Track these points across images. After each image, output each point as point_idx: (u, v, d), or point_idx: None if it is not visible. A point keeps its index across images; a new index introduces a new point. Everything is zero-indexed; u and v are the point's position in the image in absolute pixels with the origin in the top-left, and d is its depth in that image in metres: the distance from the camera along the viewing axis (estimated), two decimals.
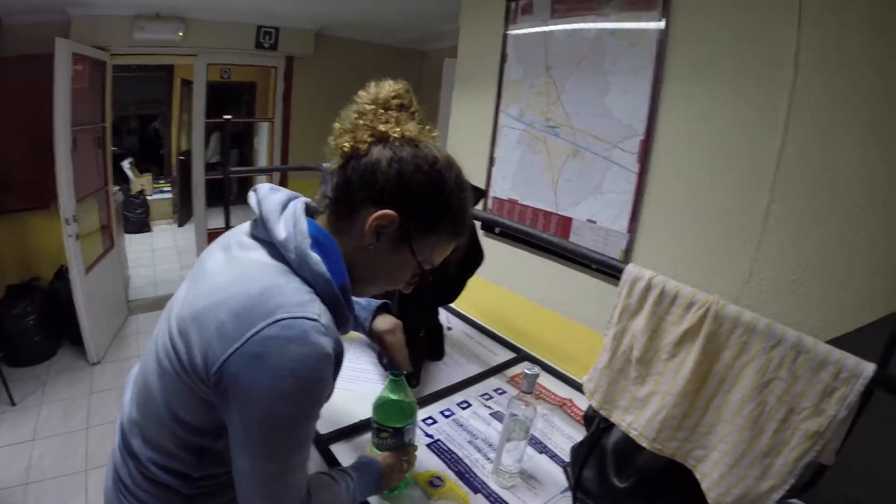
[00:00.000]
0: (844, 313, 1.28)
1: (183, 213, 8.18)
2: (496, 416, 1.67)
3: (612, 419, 1.24)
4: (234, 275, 0.82)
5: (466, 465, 1.43)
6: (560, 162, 2.01)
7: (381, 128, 0.87)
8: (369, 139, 0.87)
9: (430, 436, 1.54)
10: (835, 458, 0.90)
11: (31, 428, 3.24)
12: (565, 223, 2.01)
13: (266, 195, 0.91)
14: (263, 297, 0.76)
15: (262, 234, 0.87)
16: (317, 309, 0.78)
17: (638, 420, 1.17)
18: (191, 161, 8.04)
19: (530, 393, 1.27)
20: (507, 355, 2.07)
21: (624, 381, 1.23)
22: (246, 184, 9.04)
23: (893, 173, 1.23)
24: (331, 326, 0.80)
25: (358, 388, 1.71)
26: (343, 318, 0.87)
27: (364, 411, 1.40)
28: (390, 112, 0.90)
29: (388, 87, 0.91)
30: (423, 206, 0.87)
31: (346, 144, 0.88)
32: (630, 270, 1.24)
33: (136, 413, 0.95)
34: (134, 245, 5.75)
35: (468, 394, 1.79)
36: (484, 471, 1.41)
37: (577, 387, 1.85)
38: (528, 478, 1.40)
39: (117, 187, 5.31)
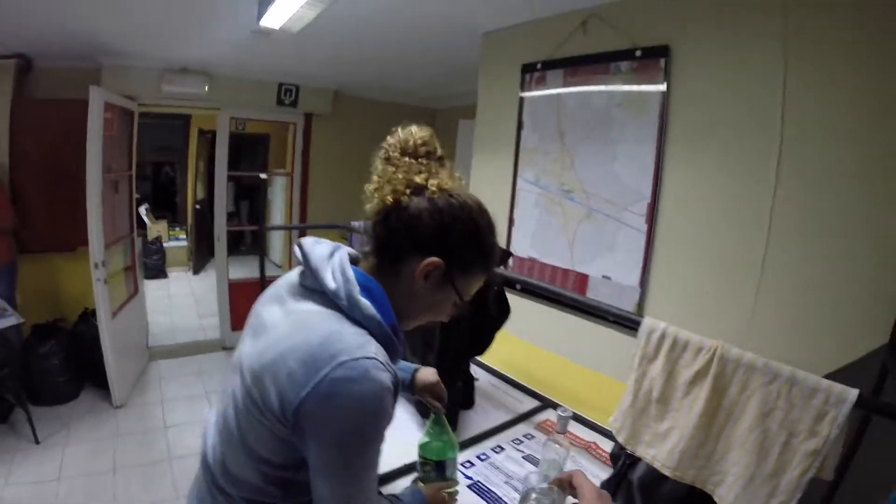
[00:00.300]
0: (839, 347, 1.47)
1: (198, 260, 8.30)
2: (528, 458, 1.80)
3: (638, 453, 1.40)
4: (293, 326, 0.91)
5: (506, 502, 1.56)
6: (575, 223, 2.21)
7: (417, 179, 0.95)
8: (407, 191, 0.94)
9: (470, 477, 1.67)
10: (833, 475, 1.06)
11: (55, 467, 3.23)
12: (582, 279, 2.20)
13: (312, 248, 0.99)
14: (325, 345, 0.84)
15: (312, 284, 0.96)
16: (373, 348, 0.87)
17: (660, 452, 1.33)
18: (206, 210, 8.12)
19: (563, 433, 1.42)
20: (532, 403, 2.21)
21: (646, 419, 1.39)
22: (261, 236, 9.28)
23: (875, 219, 1.43)
24: (387, 362, 0.88)
25: (398, 435, 1.85)
26: (396, 352, 0.97)
27: (404, 456, 1.55)
28: (421, 161, 0.98)
29: (416, 135, 1.00)
30: (462, 252, 0.96)
31: (389, 198, 0.95)
32: (647, 323, 1.41)
33: (221, 454, 1.02)
34: (151, 291, 5.74)
35: (500, 439, 1.92)
36: None
37: (600, 430, 1.99)
38: None
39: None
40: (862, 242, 1.47)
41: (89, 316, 4.18)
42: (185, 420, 3.96)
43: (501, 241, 1.05)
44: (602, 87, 2.14)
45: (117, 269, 4.31)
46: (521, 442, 1.92)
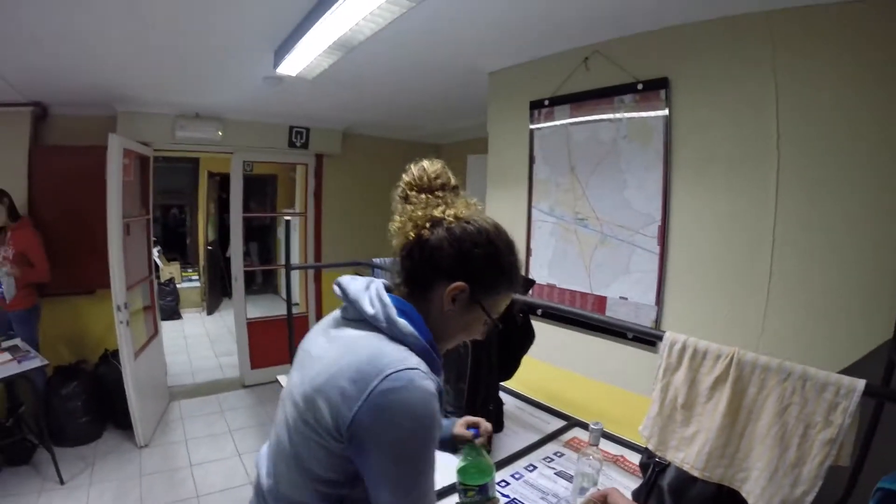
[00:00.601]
0: (846, 347, 1.59)
1: (212, 301, 8.38)
2: (560, 475, 1.89)
3: (668, 458, 1.50)
4: (339, 351, 0.98)
5: None
6: (590, 249, 2.33)
7: (436, 213, 1.03)
8: (427, 225, 1.02)
9: (507, 496, 1.75)
10: (850, 461, 1.16)
11: None
12: (601, 301, 2.31)
13: (349, 283, 1.06)
14: (371, 362, 0.91)
15: (353, 315, 1.03)
16: (415, 360, 0.94)
17: (688, 455, 1.43)
18: (218, 251, 8.25)
19: (596, 445, 1.51)
20: (559, 423, 2.29)
21: (673, 425, 1.49)
22: (272, 275, 9.37)
23: (870, 228, 1.58)
24: (428, 371, 0.95)
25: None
26: (435, 365, 1.02)
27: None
28: (437, 194, 1.07)
29: (429, 170, 1.09)
30: (484, 274, 1.03)
31: (412, 234, 1.03)
32: (668, 336, 1.52)
33: (275, 480, 1.07)
34: (166, 332, 5.66)
35: (531, 458, 2.01)
36: None
37: (625, 444, 2.08)
38: None
39: None
40: (859, 250, 1.60)
41: (110, 357, 4.27)
42: (210, 458, 3.99)
43: (521, 270, 1.14)
44: (608, 116, 2.27)
45: (137, 309, 4.37)
46: (552, 460, 2.00)
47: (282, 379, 2.72)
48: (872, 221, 1.59)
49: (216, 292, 8.57)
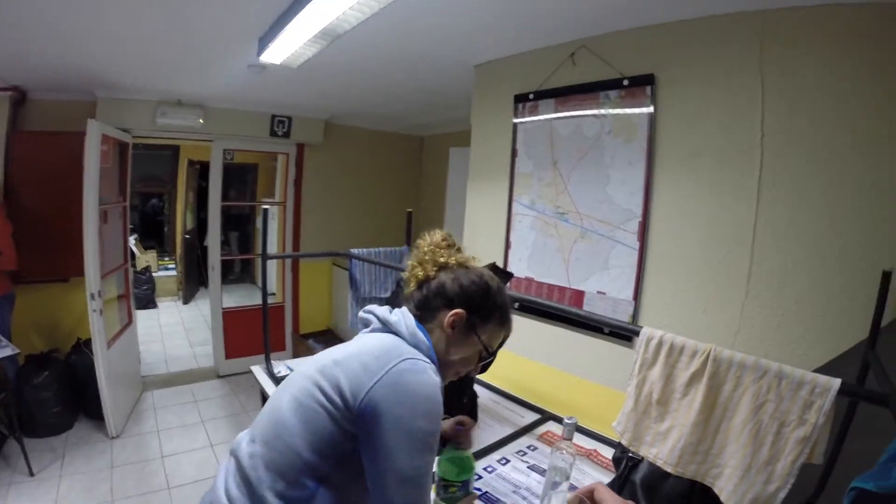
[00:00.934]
0: (822, 345, 1.60)
1: (188, 290, 8.31)
2: (533, 468, 1.89)
3: (641, 453, 1.49)
4: (360, 342, 1.19)
5: None
6: (570, 243, 2.33)
7: (441, 260, 1.29)
8: (434, 269, 1.29)
9: (479, 489, 1.74)
10: (823, 459, 1.16)
11: (51, 499, 3.18)
12: (578, 296, 2.30)
13: (375, 308, 1.29)
14: (393, 348, 1.12)
15: (379, 328, 1.24)
16: (429, 362, 1.13)
17: (662, 451, 1.42)
18: (196, 240, 8.17)
19: (569, 440, 1.50)
20: (533, 416, 2.30)
21: (647, 421, 1.49)
22: (250, 264, 9.31)
23: (849, 229, 1.59)
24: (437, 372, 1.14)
25: None
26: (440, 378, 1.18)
27: None
28: (443, 249, 1.32)
29: (438, 235, 1.36)
30: (480, 305, 1.26)
31: (420, 274, 1.29)
32: (645, 331, 1.52)
33: (259, 449, 1.10)
34: (141, 321, 5.66)
35: (505, 452, 2.01)
36: None
37: (599, 438, 2.09)
38: None
39: None
40: (839, 249, 1.61)
41: (83, 346, 4.17)
42: (182, 449, 3.93)
43: (499, 264, 1.27)
44: (592, 112, 2.26)
45: (111, 298, 4.30)
46: (526, 453, 2.00)
47: (256, 369, 2.69)
48: (853, 221, 1.59)
49: (193, 281, 8.47)
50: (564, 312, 1.89)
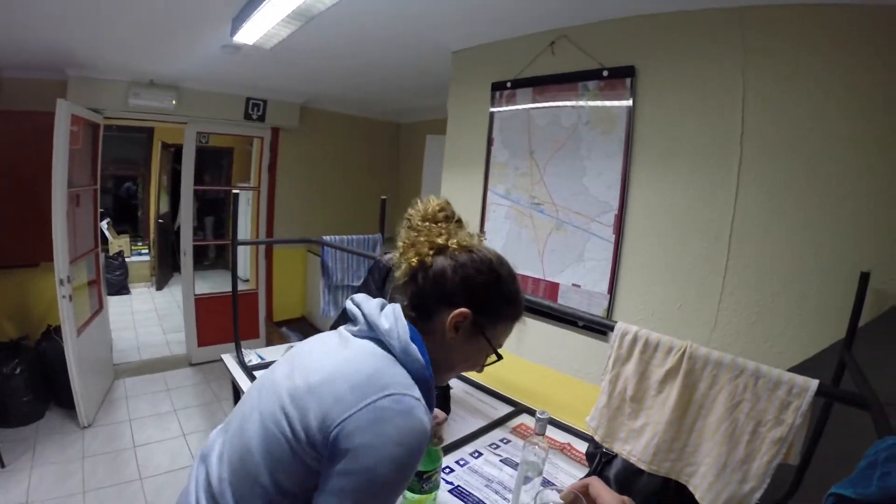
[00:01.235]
0: (798, 344, 1.59)
1: (161, 276, 8.13)
2: (506, 462, 1.87)
3: (614, 449, 1.48)
4: (345, 356, 0.96)
5: None
6: (545, 234, 2.30)
7: (439, 240, 1.04)
8: (430, 252, 1.04)
9: (451, 482, 1.72)
10: (799, 459, 1.15)
11: (22, 490, 3.10)
12: (553, 288, 2.28)
13: (363, 301, 1.07)
14: (376, 376, 0.90)
15: (367, 333, 1.01)
16: (418, 392, 0.92)
17: (636, 448, 1.41)
18: (170, 224, 7.98)
19: (542, 434, 1.49)
20: (506, 409, 2.27)
21: (621, 417, 1.47)
22: (225, 250, 8.96)
23: (828, 228, 1.58)
24: (427, 409, 0.93)
25: None
26: (431, 403, 0.99)
27: None
28: (440, 224, 1.08)
29: (433, 203, 1.12)
30: (488, 301, 1.04)
31: (414, 260, 1.04)
32: (620, 326, 1.50)
33: (227, 472, 0.98)
34: (114, 307, 5.56)
35: (477, 445, 1.98)
36: None
37: (573, 432, 2.08)
38: None
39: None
40: (816, 248, 1.60)
41: (52, 333, 4.07)
42: (154, 438, 3.86)
43: (523, 302, 1.12)
44: (570, 103, 2.23)
45: (82, 283, 4.20)
46: (498, 446, 1.98)
47: (226, 358, 2.63)
48: (830, 221, 1.58)
49: (166, 267, 8.28)
50: (538, 305, 1.86)
